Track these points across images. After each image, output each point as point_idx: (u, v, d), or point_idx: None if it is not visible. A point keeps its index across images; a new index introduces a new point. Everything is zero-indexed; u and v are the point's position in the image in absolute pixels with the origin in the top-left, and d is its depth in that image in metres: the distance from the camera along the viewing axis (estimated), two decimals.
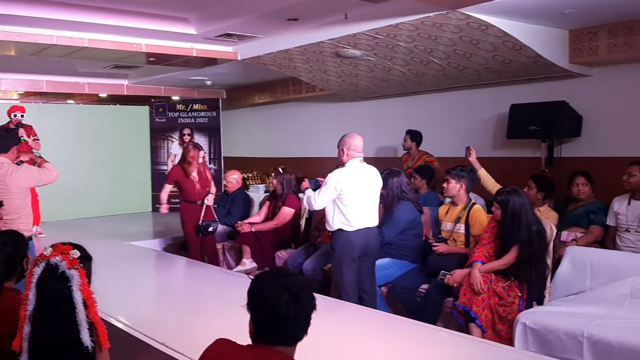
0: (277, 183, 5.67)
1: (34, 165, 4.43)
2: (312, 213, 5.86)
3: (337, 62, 6.11)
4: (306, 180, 4.49)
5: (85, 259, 2.02)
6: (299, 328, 1.70)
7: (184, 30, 5.67)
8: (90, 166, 8.46)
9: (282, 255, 5.57)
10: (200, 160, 5.62)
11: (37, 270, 1.92)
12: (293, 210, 5.67)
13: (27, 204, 4.07)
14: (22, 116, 6.45)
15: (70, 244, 2.02)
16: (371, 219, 4.12)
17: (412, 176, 5.59)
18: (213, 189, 5.80)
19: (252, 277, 4.72)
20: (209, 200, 5.67)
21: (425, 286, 4.28)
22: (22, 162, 4.20)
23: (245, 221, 5.76)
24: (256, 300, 1.71)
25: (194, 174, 5.62)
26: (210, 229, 5.57)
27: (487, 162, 5.20)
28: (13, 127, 6.38)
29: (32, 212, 6.66)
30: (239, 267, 5.42)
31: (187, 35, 5.82)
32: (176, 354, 2.84)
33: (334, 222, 4.03)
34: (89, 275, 2.01)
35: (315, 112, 8.63)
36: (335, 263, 4.11)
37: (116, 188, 8.74)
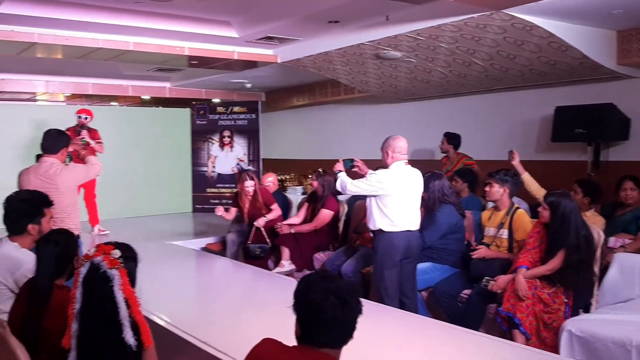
0: (317, 185, 5.67)
1: (79, 156, 4.59)
2: (350, 215, 5.84)
3: (377, 63, 6.09)
4: (340, 160, 4.42)
5: (128, 259, 2.05)
6: (344, 331, 1.70)
7: (226, 33, 5.74)
8: (133, 167, 8.65)
9: (320, 258, 5.56)
10: (249, 189, 5.72)
11: (83, 270, 1.96)
12: (332, 213, 5.66)
13: (76, 202, 4.18)
14: (86, 118, 6.61)
15: (115, 243, 2.05)
16: (414, 222, 4.09)
17: (453, 179, 5.51)
18: (272, 214, 5.76)
19: (292, 278, 4.77)
20: (259, 222, 5.67)
21: (467, 291, 4.21)
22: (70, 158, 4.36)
23: (284, 222, 5.77)
24: (303, 302, 1.72)
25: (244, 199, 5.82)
26: (258, 252, 5.61)
27: (530, 165, 5.08)
28: (78, 128, 6.57)
29: (91, 212, 6.83)
30: (278, 269, 5.44)
31: (229, 39, 5.89)
32: (219, 353, 2.86)
33: (377, 222, 4.01)
34: (132, 274, 2.04)
35: (354, 114, 8.62)
36: (376, 266, 4.09)
37: (158, 189, 8.91)
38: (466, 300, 4.13)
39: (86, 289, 1.93)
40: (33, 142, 7.87)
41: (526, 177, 4.85)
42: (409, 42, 5.23)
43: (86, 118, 6.60)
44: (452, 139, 6.28)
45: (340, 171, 4.25)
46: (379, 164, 4.60)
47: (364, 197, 5.30)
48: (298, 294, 1.75)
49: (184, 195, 9.24)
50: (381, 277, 4.01)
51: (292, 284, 4.52)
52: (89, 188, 6.86)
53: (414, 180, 4.13)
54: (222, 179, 9.23)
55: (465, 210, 4.85)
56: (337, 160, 4.40)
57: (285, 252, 5.51)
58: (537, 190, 4.76)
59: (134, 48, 5.83)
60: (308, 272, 5.57)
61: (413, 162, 4.23)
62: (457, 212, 4.61)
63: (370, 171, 4.21)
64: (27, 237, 3.07)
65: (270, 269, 5.66)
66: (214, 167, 9.25)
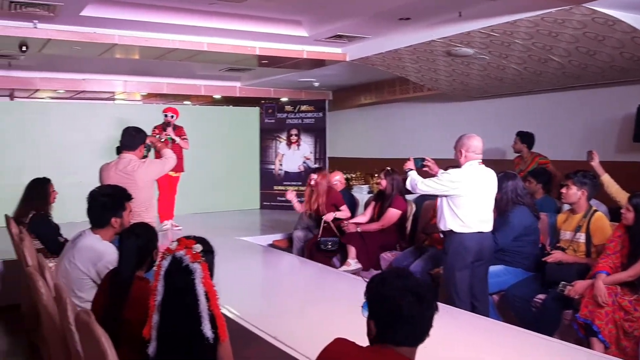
0: (385, 183, 5.62)
1: (153, 149, 4.81)
2: (418, 215, 5.76)
3: (448, 61, 5.98)
4: (411, 158, 4.36)
5: (208, 253, 2.10)
6: (421, 329, 1.67)
7: (297, 32, 5.81)
8: (203, 164, 8.87)
9: (387, 257, 5.52)
10: (312, 182, 5.94)
11: (165, 263, 2.02)
12: (400, 212, 5.60)
13: (152, 197, 4.34)
14: (172, 117, 6.70)
15: (195, 237, 2.11)
16: (486, 223, 3.98)
17: (526, 180, 5.32)
18: (340, 214, 5.83)
19: (359, 277, 4.76)
20: (327, 217, 5.74)
21: (541, 296, 4.05)
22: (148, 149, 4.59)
23: (351, 221, 5.76)
24: (378, 300, 1.69)
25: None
26: (329, 245, 5.67)
27: (610, 166, 4.83)
28: (165, 125, 6.72)
29: (168, 207, 6.92)
30: (344, 267, 5.44)
31: (299, 38, 5.96)
32: (288, 349, 2.88)
33: (448, 223, 3.93)
34: (211, 268, 2.09)
35: (422, 112, 8.50)
36: (447, 267, 4.01)
37: (227, 186, 9.11)
38: (541, 305, 3.98)
39: (168, 282, 1.98)
40: (112, 139, 8.30)
41: (606, 178, 4.62)
42: (482, 38, 5.10)
43: (172, 116, 6.71)
44: (526, 138, 6.07)
45: (411, 170, 4.18)
46: (448, 163, 4.52)
47: (433, 197, 5.24)
48: (372, 292, 1.72)
49: (252, 193, 9.40)
50: (452, 279, 3.92)
51: (359, 282, 4.53)
52: (172, 184, 7.03)
53: (488, 180, 4.01)
54: (288, 176, 9.33)
55: (539, 212, 4.67)
56: (407, 159, 4.35)
57: (352, 250, 5.51)
58: (617, 192, 4.53)
59: (207, 48, 6.00)
60: (375, 271, 5.54)
61: (484, 162, 4.12)
62: (531, 214, 4.45)
63: (441, 170, 4.14)
64: (110, 229, 3.22)
65: (336, 267, 5.67)
66: (281, 165, 9.37)
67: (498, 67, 5.90)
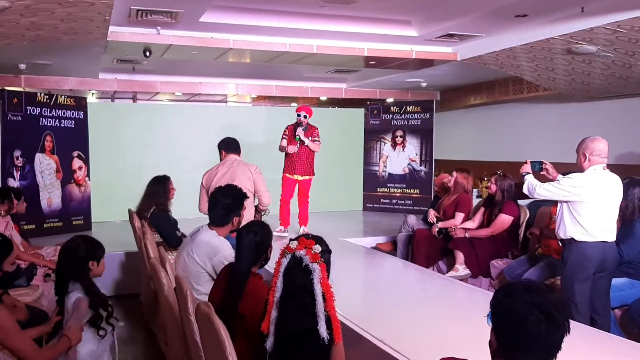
0: (496, 188, 5.40)
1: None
2: (532, 222, 5.48)
3: (568, 59, 5.63)
4: (527, 161, 4.16)
5: (326, 252, 2.12)
6: (548, 351, 1.55)
7: (406, 32, 5.73)
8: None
9: (497, 265, 5.30)
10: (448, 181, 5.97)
11: (284, 261, 2.06)
12: (511, 218, 5.35)
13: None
14: (305, 117, 6.22)
15: (314, 237, 2.13)
16: (610, 232, 3.70)
17: None
18: (450, 221, 5.79)
19: (467, 284, 4.59)
20: (433, 229, 5.81)
21: None
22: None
23: (460, 226, 5.59)
24: (502, 314, 1.59)
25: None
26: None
27: None
28: (296, 126, 6.30)
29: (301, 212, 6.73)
30: (452, 273, 5.29)
31: (408, 38, 5.87)
32: (396, 354, 2.84)
33: (568, 231, 3.70)
34: (328, 268, 2.11)
35: (537, 113, 8.08)
36: (566, 278, 3.77)
37: (331, 186, 9.17)
38: None
39: (287, 280, 2.02)
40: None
41: None
42: (606, 35, 4.75)
43: (305, 116, 6.26)
44: None
45: (528, 173, 3.99)
46: (566, 168, 4.27)
47: (548, 203, 4.96)
48: (497, 303, 1.63)
49: (355, 194, 9.41)
50: (571, 290, 3.68)
51: (468, 290, 4.40)
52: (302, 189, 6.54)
53: (613, 186, 3.73)
54: (392, 178, 9.24)
55: None
56: (523, 162, 4.15)
57: (460, 256, 5.35)
58: None
59: (317, 51, 6.07)
60: (484, 279, 5.35)
61: (614, 167, 3.84)
62: None
63: (560, 175, 3.91)
64: (228, 227, 3.38)
65: (442, 272, 5.54)
66: (385, 166, 9.30)
67: (624, 65, 5.46)
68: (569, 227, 3.71)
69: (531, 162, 4.12)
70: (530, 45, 5.39)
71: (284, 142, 6.30)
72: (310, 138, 6.24)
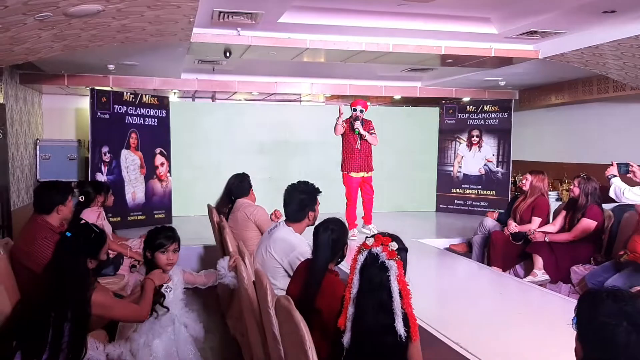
0: (579, 191, 5.18)
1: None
2: (618, 228, 5.22)
3: None
4: (614, 163, 3.96)
5: (402, 250, 2.12)
6: None
7: (485, 30, 5.61)
8: (381, 164, 8.96)
9: (579, 271, 5.08)
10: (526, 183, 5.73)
11: (361, 258, 2.08)
12: (595, 223, 5.11)
13: None
14: (361, 111, 6.21)
15: (390, 235, 2.14)
16: None
17: None
18: (527, 226, 5.59)
19: (546, 289, 4.44)
20: (509, 229, 5.64)
21: None
22: None
23: (539, 229, 5.40)
24: (589, 323, 1.54)
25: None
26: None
27: None
28: (352, 120, 6.28)
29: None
30: (530, 278, 5.12)
31: (487, 35, 5.74)
32: (471, 356, 2.81)
33: None
34: (404, 266, 2.11)
35: (623, 113, 7.67)
36: None
37: (404, 186, 9.12)
38: None
39: (363, 276, 2.04)
40: (299, 138, 8.81)
41: None
42: None
43: (362, 110, 6.23)
44: None
45: (614, 176, 3.81)
46: None
47: (633, 207, 4.72)
48: (582, 311, 1.57)
49: (429, 194, 9.29)
50: None
51: (547, 295, 4.24)
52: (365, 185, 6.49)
53: None
54: (467, 179, 9.04)
55: None
56: (609, 165, 3.97)
57: (539, 260, 5.16)
58: None
59: (393, 49, 6.04)
60: (564, 285, 5.15)
61: None
62: None
63: None
64: (304, 222, 3.44)
65: (520, 277, 5.38)
66: (460, 167, 9.12)
67: None
68: None
69: (617, 164, 3.93)
70: (617, 42, 5.14)
71: (340, 128, 6.17)
72: (368, 132, 6.21)
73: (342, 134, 6.30)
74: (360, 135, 6.16)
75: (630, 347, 1.46)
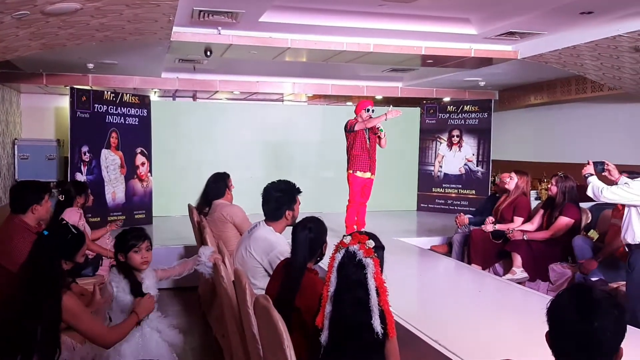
0: (557, 190, 5.26)
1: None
2: (596, 225, 5.30)
3: (635, 57, 5.41)
4: (590, 162, 4.03)
5: (379, 249, 2.13)
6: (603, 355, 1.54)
7: (465, 30, 5.65)
8: None
9: (557, 269, 5.16)
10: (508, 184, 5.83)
11: (338, 256, 2.09)
12: (572, 221, 5.20)
13: None
14: (373, 111, 6.06)
15: (367, 233, 2.15)
16: None
17: None
18: (507, 225, 5.66)
19: (525, 287, 4.49)
20: (486, 228, 5.73)
21: None
22: None
23: (517, 228, 5.47)
24: (568, 324, 1.57)
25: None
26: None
27: None
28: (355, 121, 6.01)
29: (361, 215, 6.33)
30: (509, 276, 5.18)
31: (467, 36, 5.79)
32: (452, 355, 2.83)
33: (637, 236, 3.56)
34: (381, 264, 2.12)
35: (601, 113, 7.79)
36: (633, 285, 3.64)
37: (385, 186, 9.10)
38: None
39: (341, 274, 2.05)
40: (280, 138, 8.80)
41: None
42: None
43: (373, 111, 6.07)
44: None
45: (591, 174, 3.87)
46: (633, 170, 4.12)
47: (612, 206, 4.79)
48: (554, 311, 1.60)
49: (410, 194, 9.34)
50: (638, 298, 3.55)
51: (525, 293, 4.28)
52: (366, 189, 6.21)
53: None
54: (448, 178, 9.11)
55: None
56: (585, 164, 4.03)
57: (517, 258, 5.23)
58: None
59: (374, 50, 6.07)
60: (542, 282, 5.22)
61: None
62: None
63: (623, 177, 3.77)
64: (283, 222, 3.43)
65: (499, 275, 5.44)
66: (440, 166, 9.19)
67: None
68: (638, 233, 3.57)
69: (593, 163, 3.99)
70: (595, 43, 5.22)
71: (360, 126, 5.88)
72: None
73: (350, 132, 5.99)
74: (379, 137, 5.97)
75: (603, 345, 1.53)
